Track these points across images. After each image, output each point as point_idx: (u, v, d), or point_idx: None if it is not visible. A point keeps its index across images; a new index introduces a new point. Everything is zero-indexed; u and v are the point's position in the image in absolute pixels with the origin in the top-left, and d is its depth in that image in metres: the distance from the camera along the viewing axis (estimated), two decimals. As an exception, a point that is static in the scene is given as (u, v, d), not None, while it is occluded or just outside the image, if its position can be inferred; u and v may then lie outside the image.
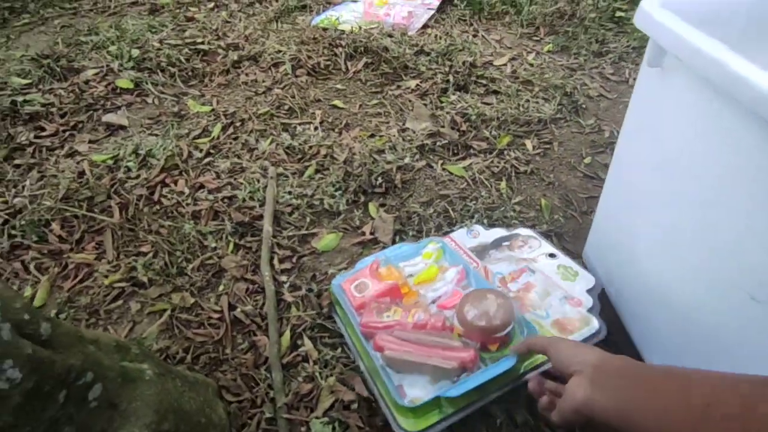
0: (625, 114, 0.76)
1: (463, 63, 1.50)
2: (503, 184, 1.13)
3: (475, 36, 1.69)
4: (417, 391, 0.68)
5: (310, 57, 1.57)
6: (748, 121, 0.49)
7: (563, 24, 1.73)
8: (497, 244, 0.92)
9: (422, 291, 0.82)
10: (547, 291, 0.80)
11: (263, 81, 1.49)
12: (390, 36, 1.63)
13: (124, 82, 1.47)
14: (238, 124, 1.34)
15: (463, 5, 1.83)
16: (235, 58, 1.58)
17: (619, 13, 1.76)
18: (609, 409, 0.41)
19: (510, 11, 1.80)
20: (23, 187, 1.12)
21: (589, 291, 0.79)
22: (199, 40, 1.65)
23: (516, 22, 1.76)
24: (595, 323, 0.73)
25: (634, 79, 1.13)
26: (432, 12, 1.78)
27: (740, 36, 0.63)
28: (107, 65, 1.52)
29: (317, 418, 0.73)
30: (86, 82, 1.47)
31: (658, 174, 0.67)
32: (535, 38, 1.69)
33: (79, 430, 0.53)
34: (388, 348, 0.70)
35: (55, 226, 1.03)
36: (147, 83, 1.48)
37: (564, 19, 1.75)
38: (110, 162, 1.19)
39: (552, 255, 0.86)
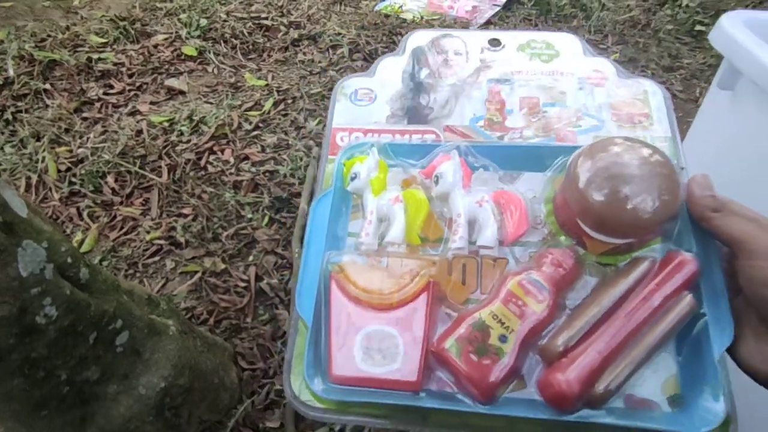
0: (686, 135, 0.71)
1: (522, 64, 1.45)
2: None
3: (539, 37, 1.63)
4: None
5: (368, 42, 1.57)
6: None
7: (634, 34, 1.63)
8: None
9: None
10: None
11: (319, 62, 1.51)
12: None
13: (189, 50, 1.53)
14: (289, 101, 1.37)
15: (530, 5, 1.76)
16: (296, 36, 1.60)
17: (699, 27, 1.64)
18: None
19: (579, 15, 1.72)
20: (87, 138, 1.20)
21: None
22: (264, 15, 1.69)
23: (583, 27, 1.68)
24: None
25: (705, 100, 1.06)
26: (497, 9, 1.73)
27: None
28: (176, 32, 1.59)
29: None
30: (155, 46, 1.55)
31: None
32: (601, 46, 1.61)
33: (103, 371, 0.57)
34: None
35: (110, 179, 1.10)
36: (210, 52, 1.53)
37: (636, 29, 1.65)
38: (166, 124, 1.25)
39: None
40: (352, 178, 0.37)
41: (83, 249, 0.97)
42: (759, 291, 0.28)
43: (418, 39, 0.50)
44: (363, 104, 0.45)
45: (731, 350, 0.29)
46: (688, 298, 0.30)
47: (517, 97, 0.45)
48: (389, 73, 0.47)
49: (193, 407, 0.69)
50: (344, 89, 0.46)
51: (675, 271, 0.31)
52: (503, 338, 0.30)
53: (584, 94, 0.45)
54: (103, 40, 1.55)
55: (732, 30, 0.55)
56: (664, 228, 0.33)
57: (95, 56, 1.46)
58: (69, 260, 0.52)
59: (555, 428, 0.30)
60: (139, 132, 1.22)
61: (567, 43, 0.48)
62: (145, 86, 1.40)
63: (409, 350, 0.32)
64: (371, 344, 0.32)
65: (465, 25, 1.64)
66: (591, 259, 0.34)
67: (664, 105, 0.43)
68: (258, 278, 0.94)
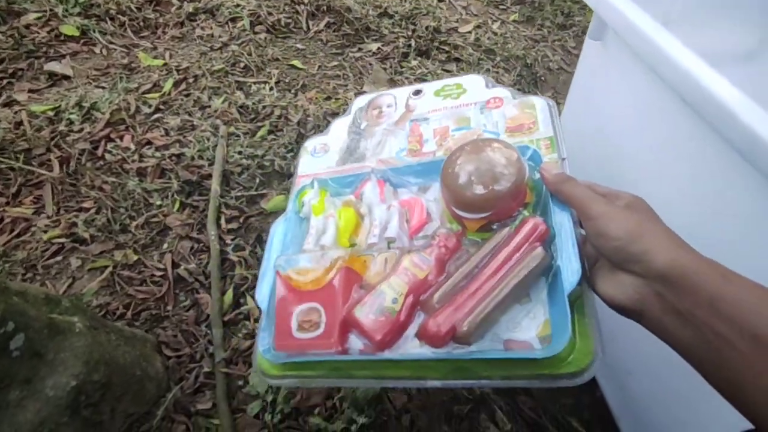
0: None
1: (427, 28, 1.48)
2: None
3: (441, 1, 1.65)
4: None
5: (270, 13, 1.51)
6: (674, 97, 0.49)
7: (531, -7, 1.72)
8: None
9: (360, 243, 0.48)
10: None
11: (219, 36, 1.44)
12: (355, -5, 1.58)
13: (68, 29, 1.38)
14: (191, 80, 1.29)
15: (432, -33, 1.78)
16: (191, 9, 1.50)
17: (586, -14, 1.75)
18: None
19: (479, -24, 1.77)
20: (-45, 136, 1.06)
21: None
22: (153, -13, 1.56)
23: (484, -11, 1.73)
24: None
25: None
26: (400, -28, 1.73)
27: (683, 13, 0.64)
28: (51, 9, 1.43)
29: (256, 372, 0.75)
30: (27, 27, 1.38)
31: (596, 149, 0.69)
32: (501, 7, 1.67)
33: (0, 378, 0.54)
34: None
35: (-11, 178, 0.99)
36: (95, 32, 1.39)
37: (532, -11, 1.73)
38: (51, 113, 1.13)
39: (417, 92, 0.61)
40: (302, 206, 0.51)
41: (-33, 258, 0.88)
42: (596, 241, 0.35)
43: (360, 101, 0.62)
44: (319, 156, 0.57)
45: (595, 289, 0.36)
46: (538, 250, 0.38)
47: (431, 129, 0.55)
48: (339, 130, 0.59)
49: (114, 402, 0.67)
50: (306, 148, 0.59)
51: (529, 232, 0.39)
52: (395, 300, 0.39)
53: (484, 116, 0.55)
54: (-39, 23, 1.35)
55: (596, -17, 0.60)
56: (514, 199, 0.40)
57: (-48, 42, 1.27)
58: (-64, 265, 0.47)
59: (448, 372, 0.37)
60: (19, 124, 1.10)
61: (472, 82, 0.59)
62: (20, 73, 1.25)
63: (329, 319, 0.40)
64: (303, 318, 0.42)
65: (369, -10, 1.62)
66: (471, 236, 0.43)
67: (548, 113, 0.51)
68: (175, 265, 0.90)
